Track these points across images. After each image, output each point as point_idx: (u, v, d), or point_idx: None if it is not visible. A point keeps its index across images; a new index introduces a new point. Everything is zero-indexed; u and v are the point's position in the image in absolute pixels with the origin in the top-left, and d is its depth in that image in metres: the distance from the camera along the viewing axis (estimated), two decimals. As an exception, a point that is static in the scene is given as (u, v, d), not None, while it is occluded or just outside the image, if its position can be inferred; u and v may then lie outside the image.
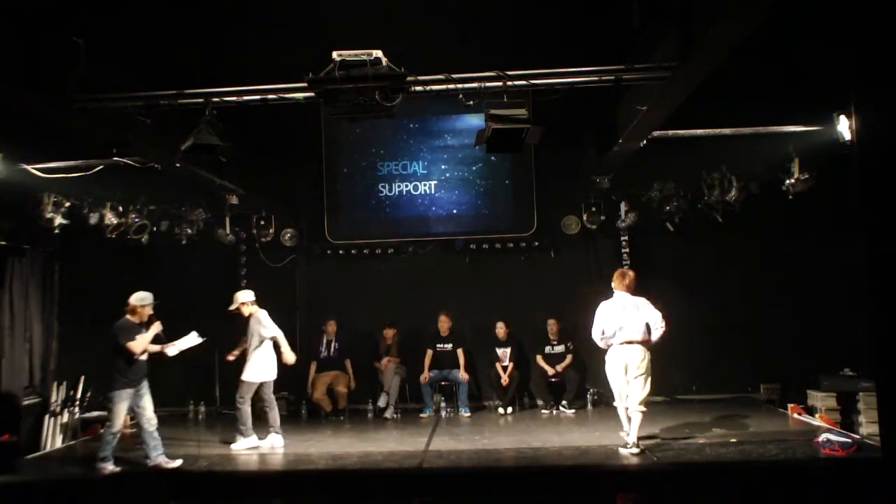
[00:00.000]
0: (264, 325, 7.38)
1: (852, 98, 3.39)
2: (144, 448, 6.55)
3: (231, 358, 7.69)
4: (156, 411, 6.71)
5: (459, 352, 9.26)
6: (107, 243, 8.81)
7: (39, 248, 8.72)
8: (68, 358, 8.78)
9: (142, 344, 6.49)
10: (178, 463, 6.66)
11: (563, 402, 8.97)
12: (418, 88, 5.25)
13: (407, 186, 9.85)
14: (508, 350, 9.27)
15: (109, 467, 6.45)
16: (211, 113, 5.40)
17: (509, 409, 9.07)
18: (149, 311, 6.63)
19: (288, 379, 9.75)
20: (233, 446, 7.28)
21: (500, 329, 9.33)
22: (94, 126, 5.83)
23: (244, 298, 7.48)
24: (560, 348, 9.25)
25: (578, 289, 9.86)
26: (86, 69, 5.38)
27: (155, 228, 9.11)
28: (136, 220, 8.85)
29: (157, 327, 6.62)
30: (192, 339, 6.88)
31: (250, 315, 7.45)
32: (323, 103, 5.13)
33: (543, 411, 9.03)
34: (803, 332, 8.66)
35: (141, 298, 6.64)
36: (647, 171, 8.93)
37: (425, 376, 9.14)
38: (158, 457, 6.56)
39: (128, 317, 6.61)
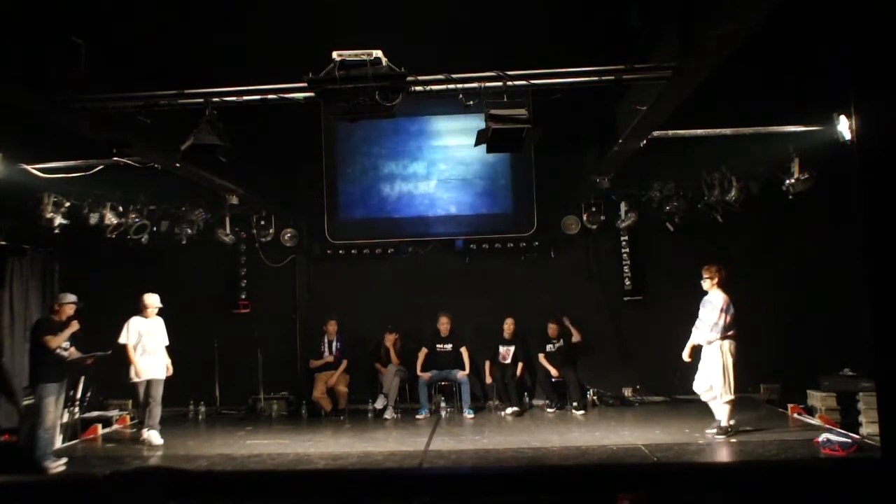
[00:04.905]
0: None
1: (852, 98, 3.39)
2: (40, 446, 6.51)
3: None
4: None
5: (464, 350, 9.26)
6: (107, 243, 8.81)
7: (39, 248, 8.72)
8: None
9: (58, 340, 6.69)
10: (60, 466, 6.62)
11: (573, 404, 8.95)
12: (418, 88, 5.24)
13: (407, 186, 9.85)
14: (512, 348, 9.26)
15: (53, 465, 6.45)
16: (211, 113, 5.40)
17: (509, 410, 9.05)
18: (68, 310, 6.86)
19: (288, 379, 9.82)
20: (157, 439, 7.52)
21: (508, 326, 9.32)
22: (94, 126, 5.83)
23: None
24: (560, 343, 9.26)
25: (578, 289, 9.90)
26: (86, 69, 5.38)
27: (155, 228, 9.11)
28: (136, 220, 8.86)
29: (74, 326, 6.83)
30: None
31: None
32: (323, 103, 5.13)
33: (549, 410, 9.05)
34: (803, 332, 8.66)
35: (62, 297, 6.99)
36: (647, 171, 8.94)
37: (424, 375, 9.14)
38: (47, 459, 6.52)
39: (52, 315, 6.91)
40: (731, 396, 6.93)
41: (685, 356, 7.18)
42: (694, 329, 7.12)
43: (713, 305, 6.97)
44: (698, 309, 7.06)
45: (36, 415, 6.65)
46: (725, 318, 6.89)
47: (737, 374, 6.95)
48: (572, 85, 5.33)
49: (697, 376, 7.13)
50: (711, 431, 7.02)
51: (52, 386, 6.63)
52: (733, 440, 6.85)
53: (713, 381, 6.95)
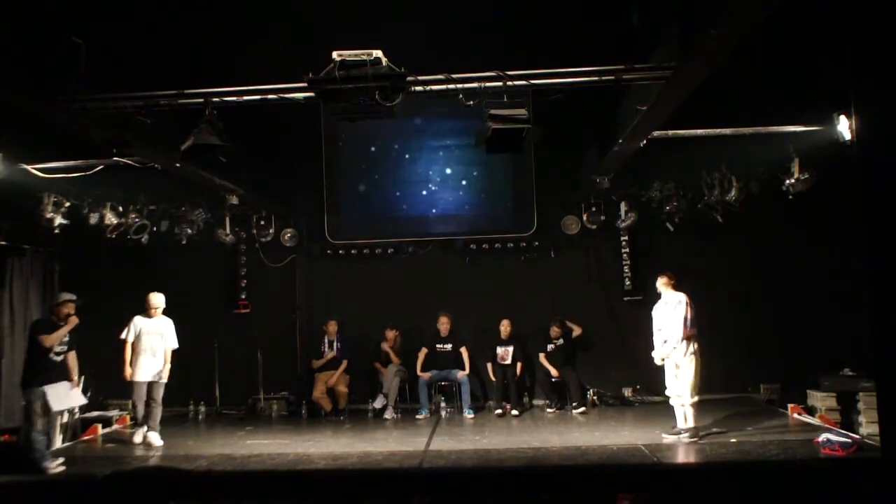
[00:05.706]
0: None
1: (852, 98, 3.39)
2: (36, 448, 6.49)
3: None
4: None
5: (463, 350, 9.26)
6: (107, 243, 8.81)
7: (39, 248, 8.72)
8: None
9: (55, 338, 6.65)
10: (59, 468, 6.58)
11: (573, 404, 8.95)
12: (418, 88, 5.24)
13: (407, 186, 9.84)
14: (511, 349, 9.24)
15: (53, 466, 6.43)
16: (211, 113, 5.40)
17: (513, 412, 9.03)
18: (65, 309, 6.82)
19: (288, 379, 9.81)
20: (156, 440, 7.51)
21: (505, 327, 9.30)
22: (94, 126, 5.83)
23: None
24: (560, 341, 9.25)
25: (578, 289, 9.89)
26: (86, 69, 5.38)
27: (155, 228, 9.11)
28: (136, 220, 8.86)
29: (73, 322, 6.79)
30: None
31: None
32: (323, 103, 5.13)
33: (549, 410, 9.06)
34: (803, 332, 8.66)
35: (59, 297, 7.00)
36: (647, 171, 8.94)
37: (425, 375, 9.14)
38: (46, 459, 6.50)
39: (50, 316, 6.89)
40: (698, 398, 6.92)
41: (674, 361, 7.00)
42: (657, 334, 7.08)
43: (676, 302, 7.01)
44: (684, 311, 6.93)
45: (27, 418, 6.65)
46: (691, 311, 6.94)
47: (702, 375, 6.94)
48: (572, 85, 5.33)
49: (668, 380, 7.07)
50: (670, 437, 6.99)
51: (38, 391, 6.56)
52: (733, 440, 6.85)
53: (683, 382, 6.89)
